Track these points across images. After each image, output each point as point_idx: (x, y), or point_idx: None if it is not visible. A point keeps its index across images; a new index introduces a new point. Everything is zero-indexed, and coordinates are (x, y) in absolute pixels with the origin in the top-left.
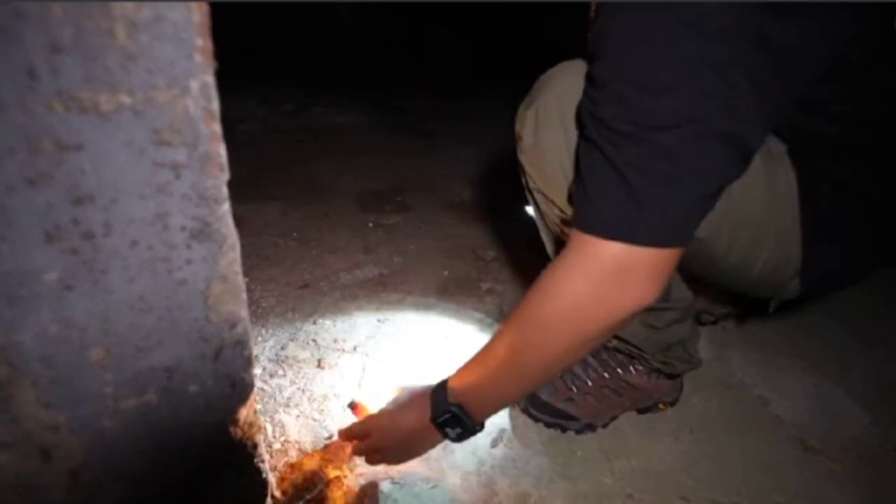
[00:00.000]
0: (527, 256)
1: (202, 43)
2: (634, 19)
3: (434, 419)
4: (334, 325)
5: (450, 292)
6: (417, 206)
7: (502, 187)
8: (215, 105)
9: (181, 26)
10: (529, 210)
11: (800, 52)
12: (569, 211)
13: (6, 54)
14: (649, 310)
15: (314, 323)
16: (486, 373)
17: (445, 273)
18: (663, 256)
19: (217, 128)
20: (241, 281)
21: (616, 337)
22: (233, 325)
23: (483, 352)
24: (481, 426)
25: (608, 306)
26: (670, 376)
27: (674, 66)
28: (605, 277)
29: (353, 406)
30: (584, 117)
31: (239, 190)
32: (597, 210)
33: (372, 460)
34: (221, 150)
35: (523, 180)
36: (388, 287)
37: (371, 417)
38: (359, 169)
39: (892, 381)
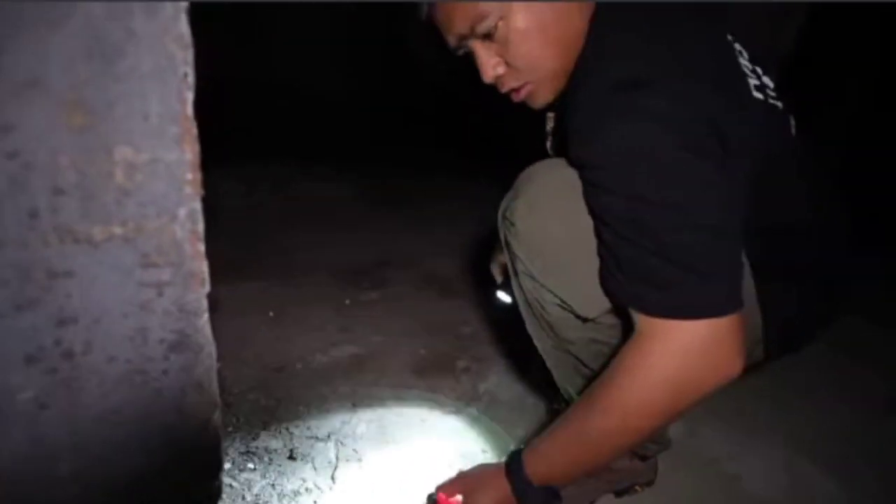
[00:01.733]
0: (502, 332)
1: (192, 176)
2: (624, 137)
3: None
4: (308, 412)
5: (426, 372)
6: (396, 281)
7: (480, 263)
8: (200, 227)
9: (174, 165)
10: (503, 297)
11: (740, 154)
12: (565, 296)
13: (13, 200)
14: None
15: (286, 409)
16: (573, 457)
17: (422, 352)
18: (738, 320)
19: (201, 247)
20: (215, 386)
21: None
22: (205, 430)
23: (566, 438)
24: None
25: (705, 381)
26: (643, 457)
27: (668, 174)
28: (697, 355)
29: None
30: (603, 216)
31: (217, 269)
32: (667, 296)
33: None
34: (204, 267)
35: (508, 264)
36: (363, 368)
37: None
38: (339, 244)
39: (862, 452)
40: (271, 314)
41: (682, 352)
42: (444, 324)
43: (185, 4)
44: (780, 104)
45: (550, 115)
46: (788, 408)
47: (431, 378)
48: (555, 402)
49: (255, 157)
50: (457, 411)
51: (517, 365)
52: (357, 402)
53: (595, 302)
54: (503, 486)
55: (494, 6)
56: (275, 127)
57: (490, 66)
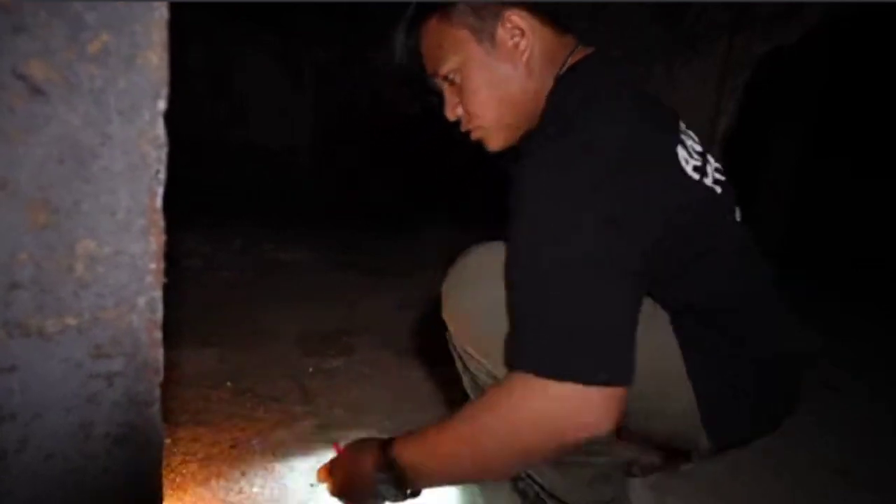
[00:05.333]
0: (465, 401)
1: (155, 266)
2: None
3: (374, 474)
4: (263, 493)
5: None
6: (361, 347)
7: (440, 326)
8: (159, 315)
9: (138, 255)
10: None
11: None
12: (493, 368)
13: None
14: (575, 466)
15: (240, 492)
16: (430, 456)
17: (387, 423)
18: (612, 394)
19: (158, 335)
20: (160, 480)
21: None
22: None
23: (434, 437)
24: (413, 494)
25: (563, 436)
26: None
27: (566, 232)
28: (560, 414)
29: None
30: (506, 266)
31: (175, 334)
32: (544, 353)
33: (337, 497)
34: (159, 355)
35: (448, 338)
36: (325, 443)
37: (337, 458)
38: (303, 308)
39: None
40: (228, 385)
41: (542, 408)
42: (408, 392)
43: (162, 109)
44: (719, 189)
45: None
46: (759, 483)
47: None
48: (519, 482)
49: (223, 217)
50: None
51: None
52: (317, 482)
53: None
54: (371, 463)
55: (454, 57)
56: (245, 187)
57: (451, 106)
